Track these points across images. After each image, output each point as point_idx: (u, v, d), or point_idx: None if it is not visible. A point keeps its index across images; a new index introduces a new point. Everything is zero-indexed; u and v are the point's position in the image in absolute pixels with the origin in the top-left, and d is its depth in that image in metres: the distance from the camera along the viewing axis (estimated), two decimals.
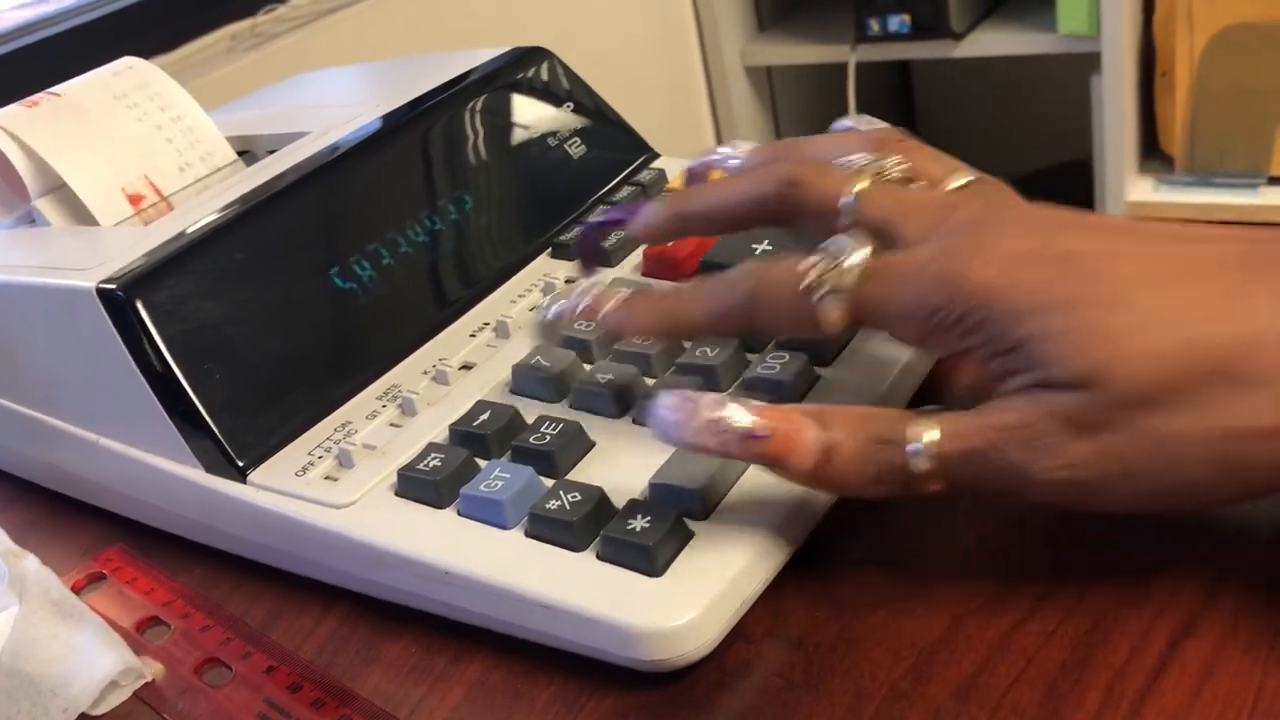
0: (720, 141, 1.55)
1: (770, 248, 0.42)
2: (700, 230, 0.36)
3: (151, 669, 0.35)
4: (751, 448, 0.29)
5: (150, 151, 0.46)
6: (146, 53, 0.50)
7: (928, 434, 0.29)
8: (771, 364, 0.36)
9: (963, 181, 0.33)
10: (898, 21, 1.40)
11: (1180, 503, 0.28)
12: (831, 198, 0.32)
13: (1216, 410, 0.26)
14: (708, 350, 0.37)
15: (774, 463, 0.30)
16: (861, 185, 0.32)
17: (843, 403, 0.35)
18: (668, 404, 0.30)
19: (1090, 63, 1.32)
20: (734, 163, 0.38)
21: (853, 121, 0.38)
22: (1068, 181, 1.55)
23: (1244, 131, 1.30)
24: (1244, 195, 1.30)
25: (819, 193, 0.33)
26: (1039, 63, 1.41)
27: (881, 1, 1.39)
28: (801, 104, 1.65)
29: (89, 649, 0.35)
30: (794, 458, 0.29)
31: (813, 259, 0.31)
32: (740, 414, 0.29)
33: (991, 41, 1.40)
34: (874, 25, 1.41)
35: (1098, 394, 0.27)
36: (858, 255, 0.30)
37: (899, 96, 1.86)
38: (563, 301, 0.35)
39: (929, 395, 0.37)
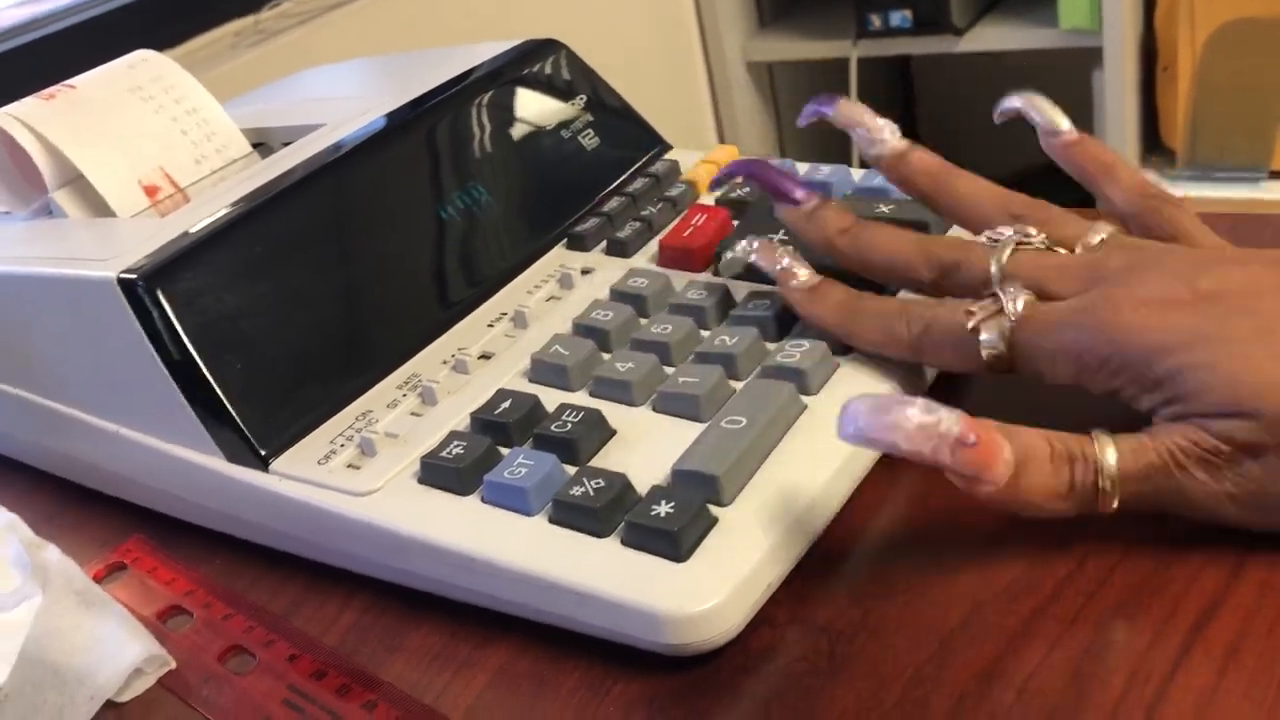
0: (722, 137, 1.54)
1: (786, 238, 0.42)
2: (856, 268, 0.37)
3: (174, 656, 0.35)
4: (960, 455, 0.29)
5: (166, 144, 0.47)
6: (150, 48, 0.50)
7: (1109, 451, 0.30)
8: (791, 352, 0.36)
9: (1102, 236, 0.34)
10: (899, 16, 1.40)
11: None
12: (982, 272, 0.34)
13: None
14: (726, 339, 0.37)
15: (974, 473, 0.29)
16: (1006, 256, 0.34)
17: (865, 388, 0.35)
18: (872, 407, 0.29)
19: (1092, 57, 1.32)
20: (875, 151, 0.39)
21: (1023, 104, 0.38)
22: (1069, 177, 1.55)
23: (1245, 126, 1.31)
24: (1245, 189, 1.31)
25: (969, 273, 0.34)
26: (1041, 58, 1.41)
27: None
28: (803, 100, 1.64)
29: (113, 638, 0.35)
30: (994, 470, 0.29)
31: (980, 304, 0.33)
32: (951, 419, 0.29)
33: (993, 36, 1.40)
34: (875, 20, 1.42)
35: (1257, 420, 0.28)
36: (1018, 302, 0.32)
37: (900, 92, 1.87)
38: (761, 256, 0.38)
39: (947, 382, 0.38)
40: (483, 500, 0.34)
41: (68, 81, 0.47)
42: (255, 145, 0.50)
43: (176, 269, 0.38)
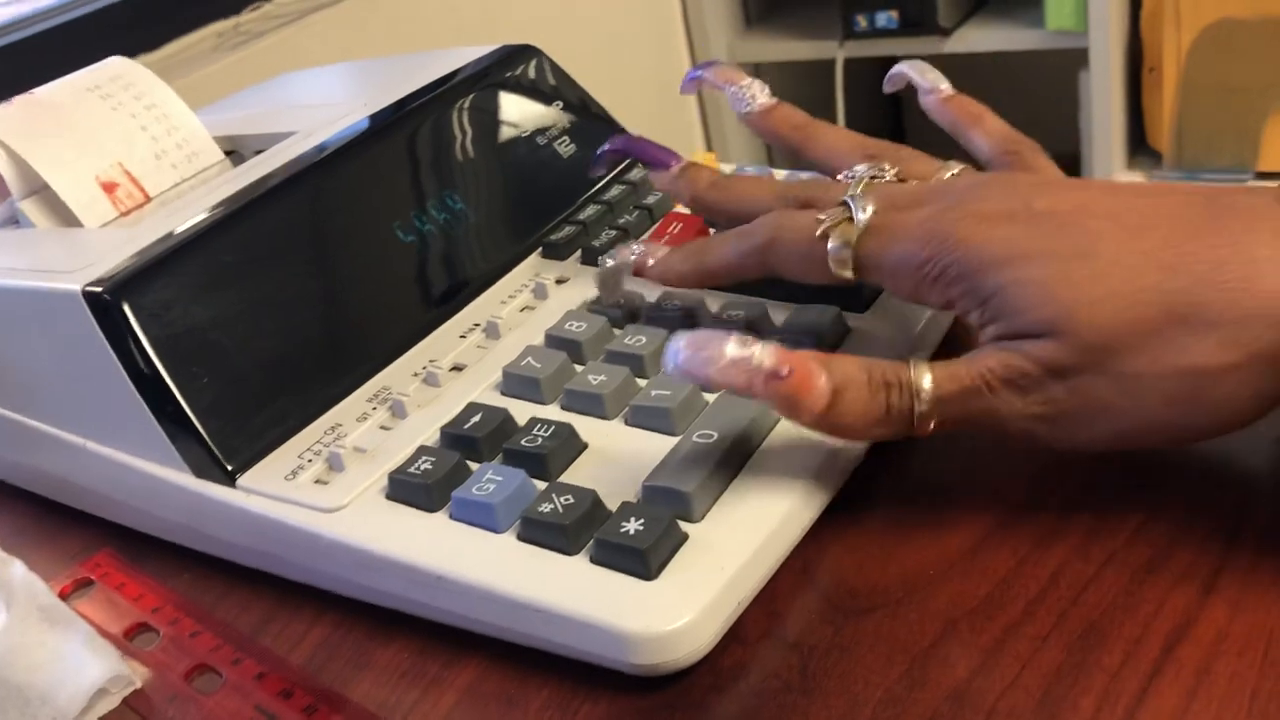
0: (709, 142, 1.54)
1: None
2: (722, 283, 0.38)
3: (140, 675, 0.35)
4: (773, 387, 0.30)
5: (123, 138, 0.46)
6: (131, 51, 0.50)
7: (925, 376, 0.31)
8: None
9: (954, 172, 0.37)
10: (885, 17, 1.40)
11: (1150, 440, 0.30)
12: (835, 203, 0.35)
13: (1173, 352, 0.28)
14: None
15: (789, 403, 0.31)
16: (859, 189, 0.35)
17: None
18: (691, 341, 0.31)
19: (1078, 58, 1.32)
20: (746, 108, 0.43)
21: (908, 68, 0.41)
22: None
23: (1231, 127, 1.31)
24: None
25: (825, 207, 0.35)
26: (1027, 59, 1.41)
27: None
28: (789, 100, 1.65)
29: (77, 656, 0.34)
30: (808, 398, 0.30)
31: (828, 212, 0.34)
32: (765, 353, 0.30)
33: (979, 37, 1.40)
34: (862, 21, 1.41)
35: (1066, 339, 0.29)
36: (867, 209, 0.33)
37: (886, 94, 1.86)
38: (618, 253, 0.39)
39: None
40: (451, 517, 0.33)
41: (30, 91, 0.47)
42: (228, 153, 0.49)
43: (143, 281, 0.37)
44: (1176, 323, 0.28)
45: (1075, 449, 0.31)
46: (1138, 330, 0.29)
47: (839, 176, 0.38)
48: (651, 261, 0.38)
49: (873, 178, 0.36)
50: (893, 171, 0.36)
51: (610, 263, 0.39)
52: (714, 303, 0.40)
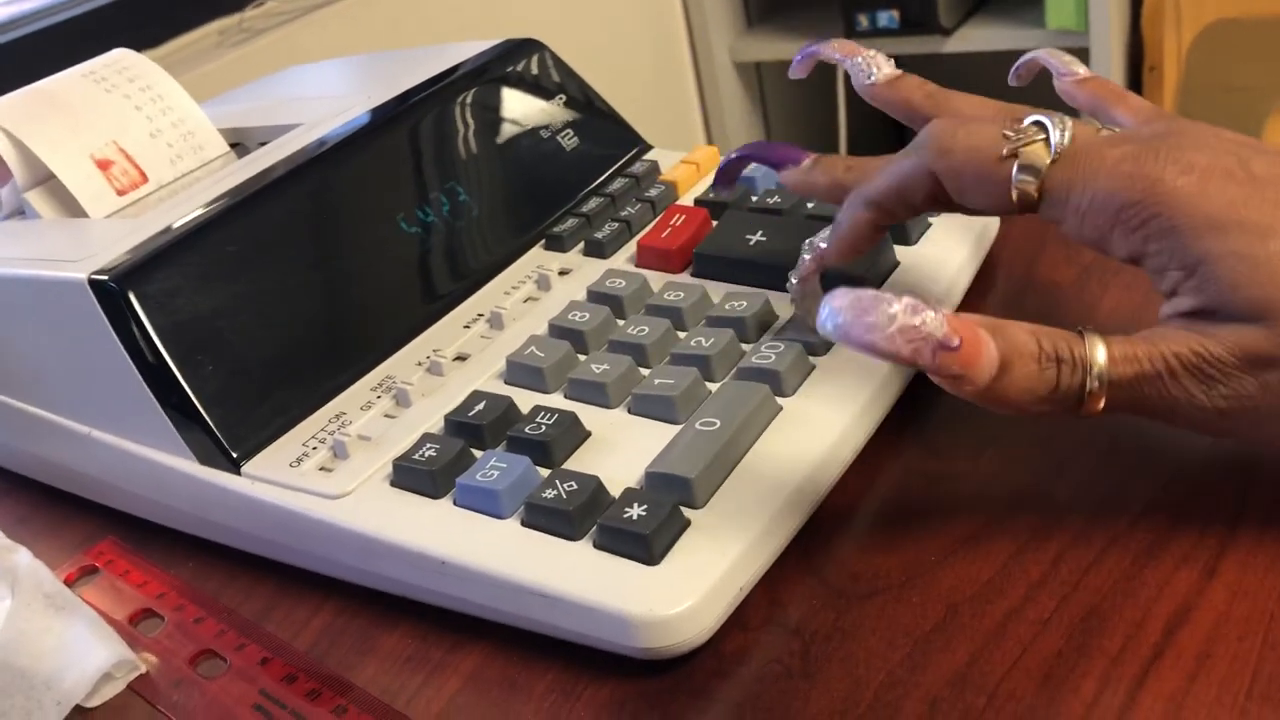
0: (710, 137, 1.54)
1: (764, 238, 0.42)
2: (899, 217, 0.35)
3: (145, 661, 0.35)
4: (942, 359, 0.27)
5: (116, 117, 0.46)
6: (134, 48, 0.50)
7: (1099, 352, 0.28)
8: (767, 354, 0.36)
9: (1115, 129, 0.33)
10: (887, 17, 1.40)
11: None
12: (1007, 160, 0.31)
13: None
14: (702, 340, 0.37)
15: (956, 375, 0.28)
16: (1064, 137, 0.31)
17: (840, 389, 0.35)
18: (854, 303, 0.27)
19: (1079, 58, 1.32)
20: (870, 80, 0.39)
21: (1042, 55, 0.39)
22: None
23: (1231, 126, 1.30)
24: None
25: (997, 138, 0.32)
26: None
27: None
28: (790, 100, 1.65)
29: (82, 642, 0.35)
30: (977, 370, 0.28)
31: (1021, 128, 0.30)
32: (936, 322, 0.27)
33: (980, 37, 1.40)
34: (863, 21, 1.41)
35: (1273, 328, 0.26)
36: (1066, 131, 0.30)
37: None
38: (793, 275, 0.37)
39: (925, 383, 0.38)
40: (455, 503, 0.34)
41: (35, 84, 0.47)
42: (233, 145, 0.49)
43: (149, 270, 0.37)
44: None
45: (1247, 445, 0.29)
46: None
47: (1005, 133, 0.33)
48: (824, 244, 0.35)
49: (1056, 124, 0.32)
50: (1061, 124, 0.32)
51: (793, 284, 0.37)
52: (715, 294, 0.40)
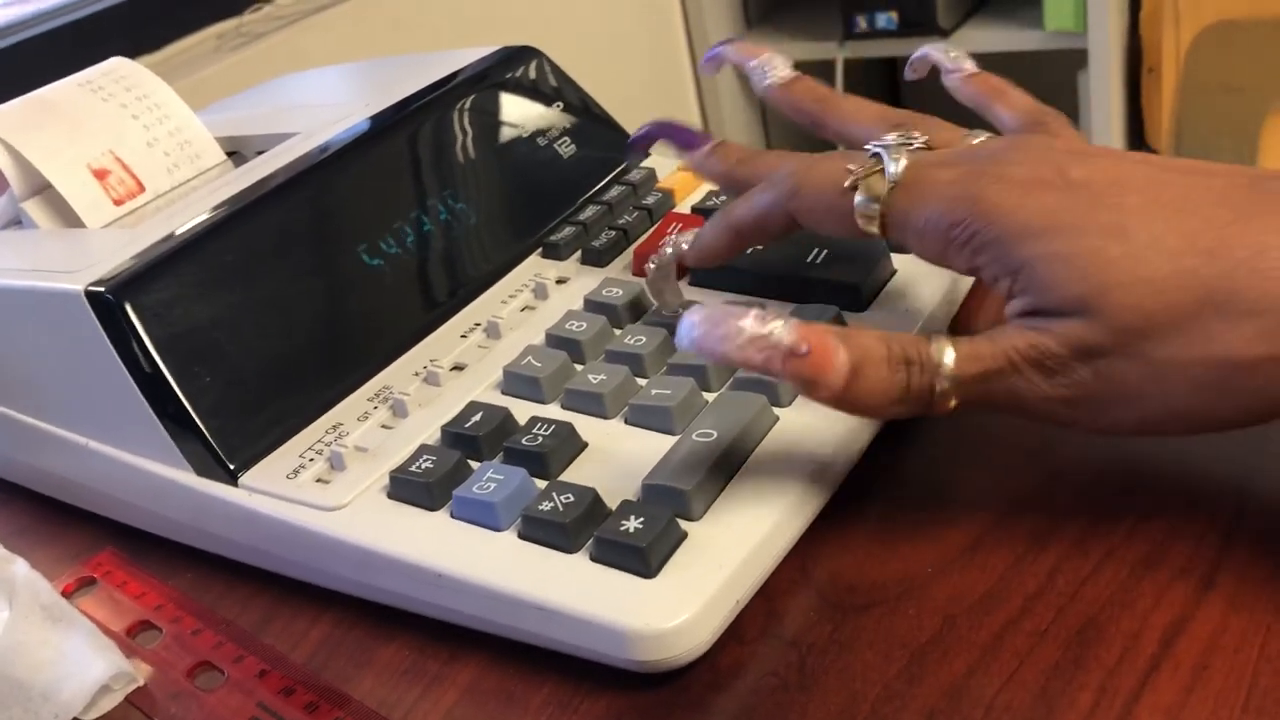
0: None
1: (761, 247, 0.42)
2: (756, 241, 0.37)
3: (142, 672, 0.35)
4: (791, 365, 0.29)
5: (113, 127, 0.46)
6: (132, 52, 0.50)
7: (947, 354, 0.30)
8: None
9: (981, 139, 0.36)
10: (885, 18, 1.40)
11: (1174, 428, 0.29)
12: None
13: (1206, 340, 0.27)
14: None
15: (808, 381, 0.30)
16: (898, 163, 0.33)
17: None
18: (707, 318, 0.30)
19: (1077, 59, 1.33)
20: (767, 82, 0.42)
21: (930, 50, 0.41)
22: None
23: (1230, 127, 1.31)
24: None
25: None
26: (1026, 59, 1.41)
27: None
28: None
29: (80, 654, 0.35)
30: (827, 376, 0.29)
31: (858, 161, 0.33)
32: (784, 330, 0.29)
33: (979, 38, 1.40)
34: (861, 22, 1.42)
35: (1096, 320, 0.28)
36: (900, 162, 0.32)
37: (887, 93, 1.87)
38: (654, 258, 0.39)
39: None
40: (452, 515, 0.34)
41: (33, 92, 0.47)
42: (230, 153, 0.49)
43: (145, 281, 0.37)
44: (1212, 310, 0.27)
45: (1096, 432, 0.30)
46: (1172, 316, 0.28)
47: (866, 147, 0.36)
48: (686, 246, 0.38)
49: (901, 145, 0.35)
50: (921, 139, 0.35)
51: (652, 267, 0.39)
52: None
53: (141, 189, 0.45)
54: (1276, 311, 0.27)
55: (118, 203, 0.45)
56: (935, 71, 0.41)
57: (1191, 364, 0.28)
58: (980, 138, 0.36)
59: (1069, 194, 0.30)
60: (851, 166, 0.33)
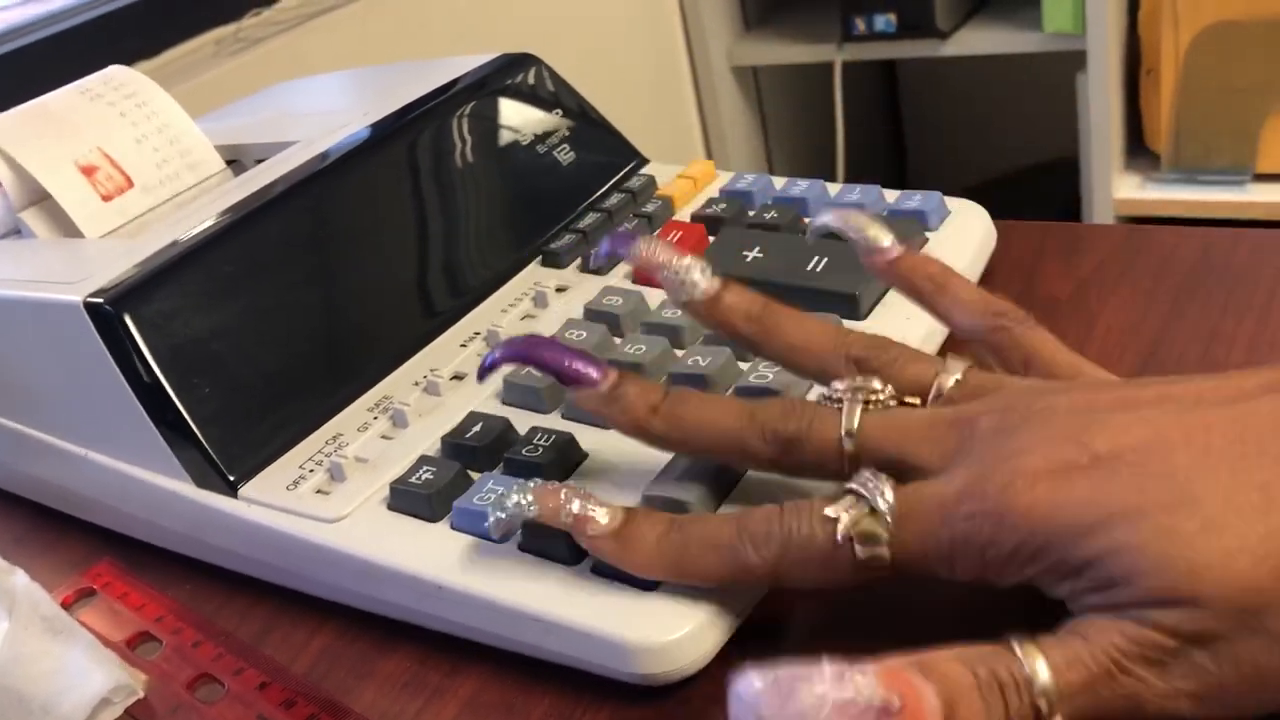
0: (708, 148, 1.54)
1: (762, 255, 0.42)
2: (678, 449, 0.33)
3: (142, 684, 0.35)
4: None
5: (100, 125, 0.46)
6: (130, 58, 0.50)
7: (1040, 667, 0.25)
8: (765, 373, 0.36)
9: (956, 377, 0.31)
10: (884, 21, 1.40)
11: None
12: (830, 443, 0.30)
13: None
14: (700, 359, 0.37)
15: None
16: (855, 422, 0.30)
17: None
18: (773, 688, 0.24)
19: (1076, 61, 1.32)
20: (686, 298, 0.34)
21: (845, 227, 0.35)
22: (1054, 180, 1.55)
23: (1229, 128, 1.31)
24: (1230, 192, 1.31)
25: (814, 446, 0.30)
26: (1025, 61, 1.41)
27: (867, 0, 1.39)
28: (788, 103, 1.65)
29: (79, 666, 0.34)
30: None
31: (840, 506, 0.28)
32: (869, 687, 0.24)
33: (977, 40, 1.40)
34: (860, 24, 1.41)
35: (1198, 608, 0.24)
36: (886, 494, 0.28)
37: (885, 96, 1.87)
38: (547, 504, 0.30)
39: None
40: (452, 527, 0.34)
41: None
42: (229, 162, 0.49)
43: (144, 292, 0.37)
44: None
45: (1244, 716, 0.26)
46: (1275, 583, 0.24)
47: (818, 395, 0.32)
48: (596, 534, 0.30)
49: (866, 402, 0.30)
50: (887, 390, 0.30)
51: (534, 509, 0.30)
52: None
53: (130, 184, 0.45)
54: None
55: (106, 198, 0.44)
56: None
57: None
58: (956, 374, 0.30)
59: (1106, 472, 0.26)
60: (830, 513, 0.28)
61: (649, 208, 0.47)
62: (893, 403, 0.30)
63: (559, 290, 0.44)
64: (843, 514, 0.28)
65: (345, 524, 0.34)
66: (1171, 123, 1.33)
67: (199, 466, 0.36)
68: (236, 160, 0.50)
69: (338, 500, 0.35)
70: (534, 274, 0.45)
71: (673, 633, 0.29)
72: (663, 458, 0.34)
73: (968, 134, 1.77)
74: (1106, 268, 0.44)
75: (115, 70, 0.49)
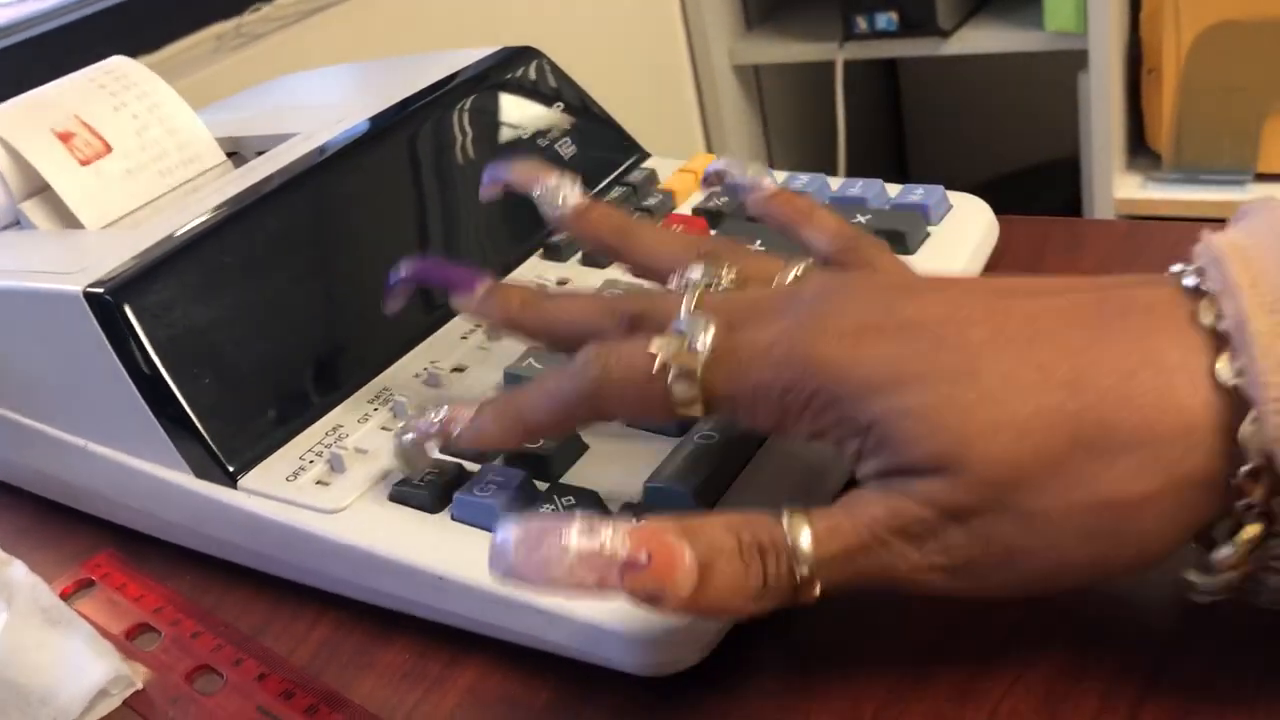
0: (709, 143, 1.54)
1: (763, 248, 0.42)
2: (547, 435, 0.34)
3: (141, 676, 0.35)
4: (630, 580, 0.25)
5: (81, 95, 0.46)
6: (131, 52, 0.50)
7: (803, 535, 0.26)
8: None
9: (797, 271, 0.32)
10: (885, 19, 1.40)
11: (1068, 581, 0.27)
12: (671, 317, 0.30)
13: (1082, 482, 0.25)
14: None
15: (651, 595, 0.25)
16: (694, 299, 0.31)
17: None
18: (522, 539, 0.25)
19: (1078, 60, 1.32)
20: (557, 212, 0.37)
21: (726, 165, 0.38)
22: (1055, 179, 1.55)
23: (1231, 128, 1.31)
24: (1231, 191, 1.31)
25: (658, 321, 0.31)
26: (1026, 60, 1.41)
27: None
28: (789, 102, 1.65)
29: (78, 657, 0.34)
30: (674, 584, 0.25)
31: (660, 340, 0.29)
32: (617, 539, 0.25)
33: (979, 39, 1.40)
34: (861, 23, 1.41)
35: (960, 476, 0.25)
36: (706, 335, 0.28)
37: (886, 94, 1.87)
38: (416, 424, 0.33)
39: None
40: (453, 518, 0.33)
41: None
42: (229, 154, 0.49)
43: (144, 282, 0.37)
44: (1084, 449, 0.24)
45: (985, 597, 0.27)
46: (1041, 461, 0.25)
47: (670, 283, 0.34)
48: (458, 430, 0.32)
49: (708, 285, 0.32)
50: (730, 275, 0.32)
51: (410, 436, 0.33)
52: None
53: (108, 149, 0.45)
54: (1154, 443, 0.24)
55: (84, 163, 0.44)
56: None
57: (1072, 512, 0.25)
58: (798, 269, 0.32)
59: (906, 338, 0.27)
60: (653, 349, 0.29)
61: (650, 201, 0.47)
62: (735, 287, 0.32)
63: (560, 283, 0.44)
64: (663, 348, 0.29)
65: (345, 515, 0.34)
66: (1173, 122, 1.33)
67: (199, 457, 0.36)
68: (237, 152, 0.50)
69: (338, 491, 0.35)
70: (535, 266, 0.45)
71: (673, 624, 0.29)
72: (663, 450, 0.34)
73: (969, 133, 1.77)
74: (1108, 264, 0.44)
75: (117, 60, 0.49)
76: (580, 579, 0.25)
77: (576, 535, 0.25)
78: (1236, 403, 0.24)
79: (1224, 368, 0.24)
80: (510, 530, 0.26)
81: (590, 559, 0.25)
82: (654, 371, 0.29)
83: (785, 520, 0.26)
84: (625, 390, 0.29)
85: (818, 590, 0.26)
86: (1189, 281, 0.26)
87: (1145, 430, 0.24)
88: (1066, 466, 0.25)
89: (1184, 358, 0.24)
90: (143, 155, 0.46)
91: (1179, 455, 0.24)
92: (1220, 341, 0.24)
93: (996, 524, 0.25)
